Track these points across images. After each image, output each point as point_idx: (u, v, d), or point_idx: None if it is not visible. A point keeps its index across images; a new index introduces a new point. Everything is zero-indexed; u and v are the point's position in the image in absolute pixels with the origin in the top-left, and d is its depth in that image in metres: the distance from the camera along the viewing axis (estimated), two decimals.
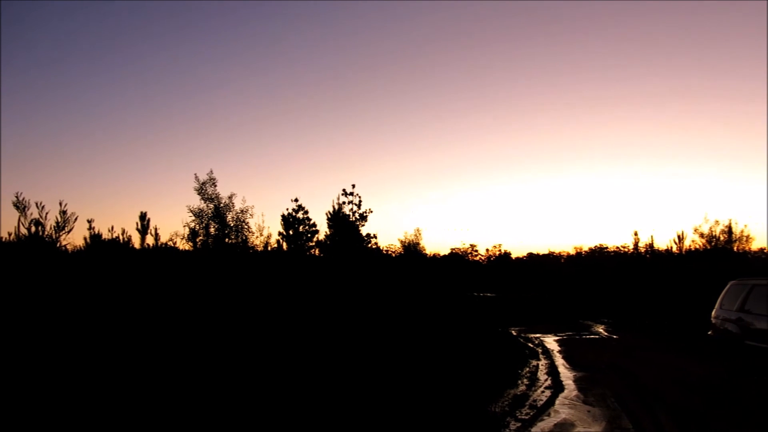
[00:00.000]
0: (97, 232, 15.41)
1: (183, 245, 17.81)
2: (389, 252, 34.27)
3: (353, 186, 19.51)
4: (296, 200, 19.31)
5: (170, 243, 18.05)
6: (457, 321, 18.75)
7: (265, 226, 22.60)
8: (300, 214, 19.48)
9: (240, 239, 17.78)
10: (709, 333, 11.44)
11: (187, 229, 17.19)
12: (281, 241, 19.50)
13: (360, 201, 19.53)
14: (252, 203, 18.54)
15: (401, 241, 33.46)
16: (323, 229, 19.67)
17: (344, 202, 19.53)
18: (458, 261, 47.65)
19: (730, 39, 65.51)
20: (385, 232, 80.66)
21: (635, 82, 71.72)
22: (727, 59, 66.89)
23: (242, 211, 17.60)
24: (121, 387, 7.46)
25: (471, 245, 50.17)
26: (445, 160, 78.13)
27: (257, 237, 18.33)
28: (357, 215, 19.56)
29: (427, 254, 38.32)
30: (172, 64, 70.36)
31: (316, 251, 20.41)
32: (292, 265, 18.08)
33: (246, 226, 17.76)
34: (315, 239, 19.87)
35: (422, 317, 18.24)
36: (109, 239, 16.00)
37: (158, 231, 16.82)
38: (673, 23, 66.43)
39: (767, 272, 21.64)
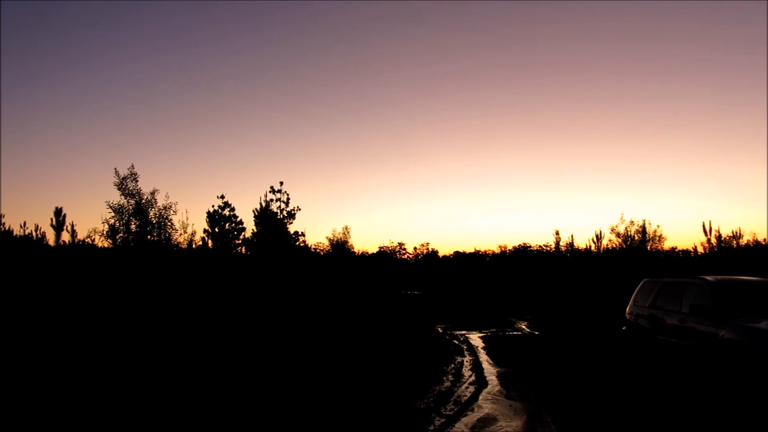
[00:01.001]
0: (7, 228, 14.61)
1: (102, 242, 17.18)
2: (318, 250, 34.17)
3: (281, 183, 19.32)
4: (222, 197, 18.95)
5: (88, 240, 17.36)
6: (384, 319, 18.87)
7: (190, 224, 22.08)
8: (226, 212, 19.12)
9: (163, 237, 17.29)
10: (624, 328, 11.97)
11: (106, 226, 16.58)
12: (207, 238, 19.09)
13: (288, 199, 19.36)
14: (176, 200, 18.04)
15: (329, 239, 33.42)
16: (250, 226, 19.40)
17: (272, 200, 19.32)
18: (386, 259, 47.96)
19: (647, 42, 68.80)
20: (315, 230, 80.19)
21: (554, 85, 74.22)
22: (644, 61, 70.20)
23: (165, 207, 17.14)
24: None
25: (399, 243, 50.60)
26: (375, 158, 78.43)
27: (181, 234, 17.89)
28: (285, 213, 19.38)
29: (355, 252, 38.44)
30: (90, 52, 67.51)
31: (243, 249, 20.10)
32: (217, 264, 17.72)
33: (169, 223, 17.30)
34: (242, 237, 19.56)
35: (350, 315, 18.26)
36: (21, 236, 15.21)
37: (75, 227, 16.14)
38: (577, 26, 69.14)
39: (678, 270, 22.88)
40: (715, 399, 7.85)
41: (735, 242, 21.66)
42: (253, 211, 19.29)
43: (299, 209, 19.50)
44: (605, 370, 10.17)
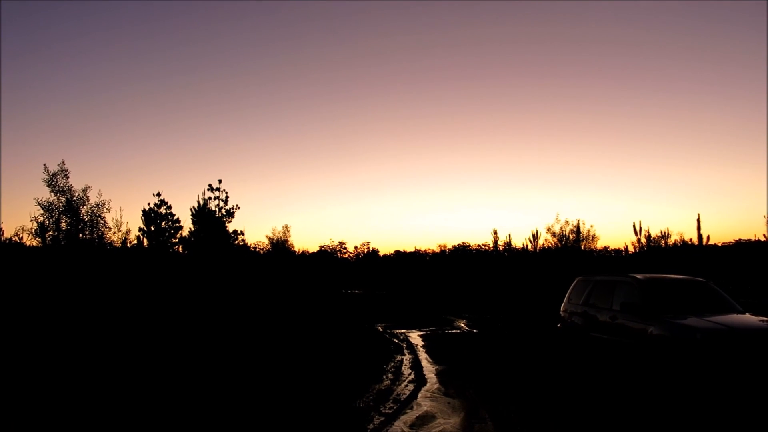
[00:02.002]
0: None
1: (30, 241, 16.45)
2: (257, 249, 33.71)
3: (220, 181, 18.96)
4: (159, 194, 18.43)
5: (15, 239, 16.61)
6: (325, 318, 18.78)
7: (124, 222, 21.40)
8: (163, 210, 18.61)
9: (96, 235, 16.68)
10: (558, 326, 12.29)
11: (35, 224, 15.88)
12: (142, 237, 18.53)
13: (227, 197, 19.02)
14: (110, 197, 17.38)
15: (269, 238, 33.02)
16: (188, 225, 18.95)
17: (210, 198, 18.93)
18: (327, 258, 47.80)
19: (563, 45, 70.90)
20: (255, 229, 79.07)
21: (493, 87, 75.62)
22: (580, 64, 72.31)
23: (98, 205, 16.55)
24: None
25: (340, 242, 50.56)
26: (317, 158, 77.98)
27: (115, 233, 17.30)
28: (224, 211, 19.02)
29: (295, 251, 38.12)
30: (16, 46, 64.49)
31: (180, 248, 19.61)
32: (153, 263, 17.22)
33: (102, 222, 16.71)
34: (179, 236, 19.07)
35: (290, 315, 18.10)
36: None
37: (2, 225, 15.39)
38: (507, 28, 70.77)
39: (610, 268, 23.66)
40: (645, 392, 8.14)
41: (663, 242, 22.57)
42: (191, 210, 18.85)
43: (238, 208, 19.20)
44: (541, 367, 10.40)
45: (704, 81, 67.08)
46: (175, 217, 18.76)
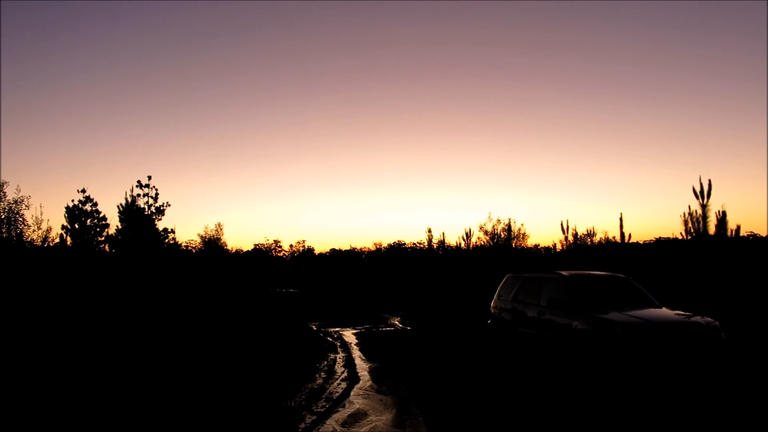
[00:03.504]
0: None
1: None
2: (189, 248, 32.95)
3: (149, 178, 18.38)
4: (84, 191, 17.73)
5: None
6: (258, 318, 18.56)
7: (45, 219, 20.49)
8: (88, 207, 17.90)
9: (13, 234, 15.92)
10: (489, 322, 12.58)
11: None
12: (65, 235, 17.79)
13: (157, 194, 18.46)
14: (29, 193, 16.62)
15: (201, 237, 32.35)
16: (115, 223, 18.31)
17: (139, 195, 18.34)
18: (262, 257, 47.19)
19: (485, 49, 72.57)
20: (188, 227, 77.11)
21: (426, 87, 76.47)
22: (509, 65, 73.98)
23: (16, 201, 15.80)
24: None
25: (275, 241, 49.96)
26: (250, 155, 76.75)
27: (35, 231, 16.55)
28: (153, 209, 18.47)
29: (229, 250, 37.49)
30: None
31: (107, 247, 18.94)
32: (76, 262, 16.57)
33: (21, 219, 15.96)
34: (105, 234, 18.42)
35: (222, 315, 17.79)
36: None
37: None
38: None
39: (540, 266, 24.33)
40: (571, 383, 8.44)
41: (589, 240, 23.31)
42: (118, 207, 18.20)
43: (169, 205, 18.67)
44: (472, 362, 10.62)
45: (626, 84, 69.90)
46: (101, 215, 18.08)
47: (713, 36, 64.75)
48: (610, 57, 68.05)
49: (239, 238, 74.38)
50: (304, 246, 51.62)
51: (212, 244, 30.93)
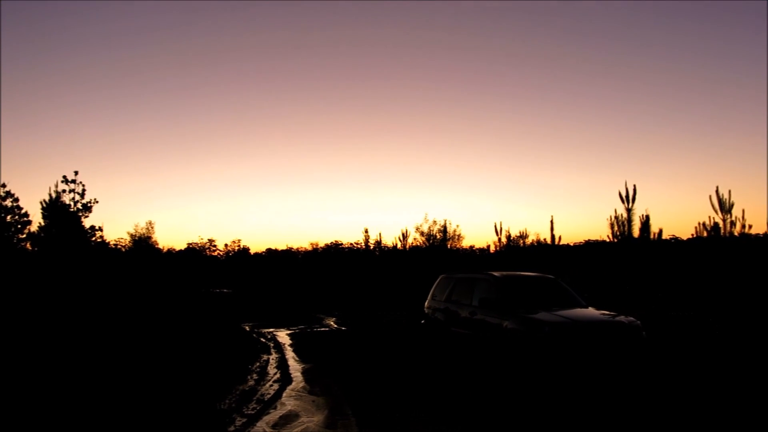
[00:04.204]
0: None
1: None
2: (118, 246, 31.87)
3: (76, 173, 17.68)
4: (4, 185, 16.88)
5: None
6: (189, 318, 18.14)
7: None
8: (8, 202, 17.05)
9: None
10: (422, 321, 12.70)
11: None
12: None
13: (84, 190, 17.77)
14: None
15: (131, 235, 31.37)
16: (38, 219, 17.52)
17: (65, 191, 17.61)
18: (195, 256, 46.18)
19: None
20: (116, 225, 74.61)
21: (365, 89, 76.70)
22: (447, 68, 75.01)
23: None
24: None
25: (209, 240, 48.99)
26: (186, 152, 75.02)
27: None
28: (80, 205, 17.77)
29: (161, 249, 36.53)
30: None
31: (28, 245, 18.10)
32: None
33: None
34: (27, 231, 17.59)
35: (151, 315, 17.30)
36: None
37: None
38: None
39: (475, 266, 24.75)
40: (502, 381, 8.60)
41: (522, 241, 23.87)
42: (41, 203, 17.43)
43: (96, 202, 17.99)
44: (405, 362, 10.69)
45: (558, 91, 72.16)
46: (23, 211, 17.26)
47: (639, 47, 67.65)
48: (544, 64, 70.08)
49: (173, 237, 72.56)
50: (239, 245, 50.87)
51: (143, 243, 30.02)
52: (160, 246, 37.01)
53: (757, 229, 14.87)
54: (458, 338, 10.95)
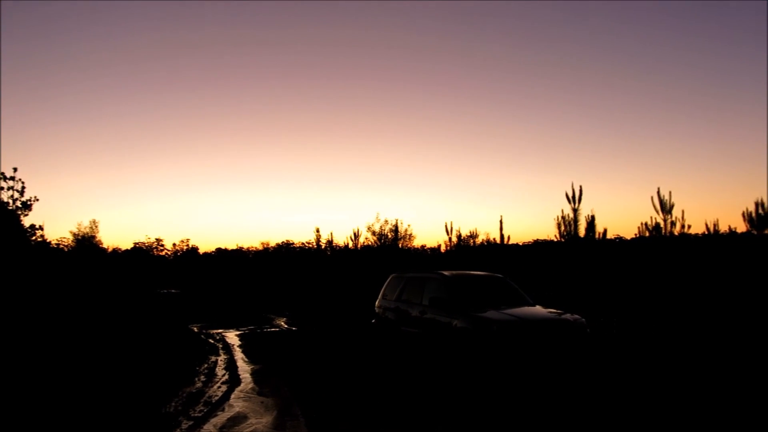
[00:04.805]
0: None
1: None
2: (60, 246, 30.81)
3: (15, 170, 17.00)
4: None
5: None
6: (135, 320, 17.69)
7: None
8: None
9: None
10: (373, 321, 12.72)
11: None
12: None
13: (23, 187, 17.10)
14: None
15: (74, 234, 30.40)
16: None
17: (3, 188, 16.95)
18: (142, 256, 45.07)
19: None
20: (59, 224, 72.12)
21: (315, 88, 76.35)
22: (406, 69, 75.30)
23: None
24: None
25: (157, 239, 47.84)
26: (133, 149, 73.05)
27: None
28: (19, 203, 17.14)
29: (105, 248, 35.55)
30: None
31: None
32: None
33: None
34: None
35: (93, 316, 16.80)
36: None
37: None
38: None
39: (426, 266, 24.91)
40: (452, 379, 8.68)
41: (472, 241, 24.08)
42: None
43: (37, 200, 17.30)
44: (356, 361, 10.68)
45: (506, 92, 73.37)
46: None
47: (585, 51, 69.35)
48: (493, 65, 71.05)
49: (118, 237, 70.58)
50: (188, 245, 49.86)
51: (86, 242, 29.11)
52: (105, 245, 36.01)
53: (696, 229, 15.41)
54: (409, 337, 11.00)
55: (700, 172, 62.31)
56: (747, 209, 12.32)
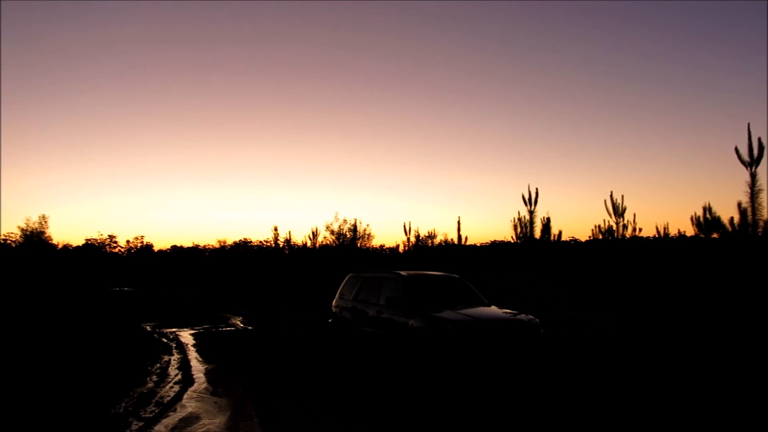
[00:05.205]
0: None
1: None
2: (7, 241, 29.89)
3: None
4: None
5: None
6: (85, 318, 17.26)
7: None
8: None
9: None
10: (330, 321, 12.69)
11: None
12: None
13: None
14: None
15: (22, 230, 29.48)
16: None
17: None
18: (94, 253, 44.01)
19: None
20: (6, 219, 69.78)
21: (278, 87, 75.77)
22: (348, 68, 75.26)
23: None
24: None
25: (110, 236, 46.80)
26: (83, 144, 71.20)
27: None
28: None
29: (56, 244, 34.60)
30: None
31: None
32: None
33: None
34: None
35: (43, 315, 16.35)
36: None
37: None
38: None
39: (384, 266, 24.96)
40: (408, 379, 8.72)
41: (430, 241, 24.27)
42: None
43: None
44: (312, 361, 10.64)
45: (465, 93, 74.18)
46: None
47: (542, 55, 70.57)
48: (451, 66, 71.69)
49: (70, 233, 68.66)
50: (142, 242, 49.00)
51: (35, 238, 28.23)
52: (55, 242, 35.01)
53: (647, 232, 15.88)
54: (365, 337, 11.02)
55: (651, 177, 64.07)
56: (695, 214, 12.72)
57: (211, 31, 68.77)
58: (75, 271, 31.78)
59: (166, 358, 11.19)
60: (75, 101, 68.84)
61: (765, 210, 10.58)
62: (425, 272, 11.73)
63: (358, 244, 28.72)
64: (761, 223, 10.85)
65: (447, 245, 23.61)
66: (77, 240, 52.15)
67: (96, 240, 45.83)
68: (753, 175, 10.44)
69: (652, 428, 6.18)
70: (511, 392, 7.82)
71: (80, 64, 67.96)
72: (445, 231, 34.12)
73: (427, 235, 24.17)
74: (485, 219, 60.29)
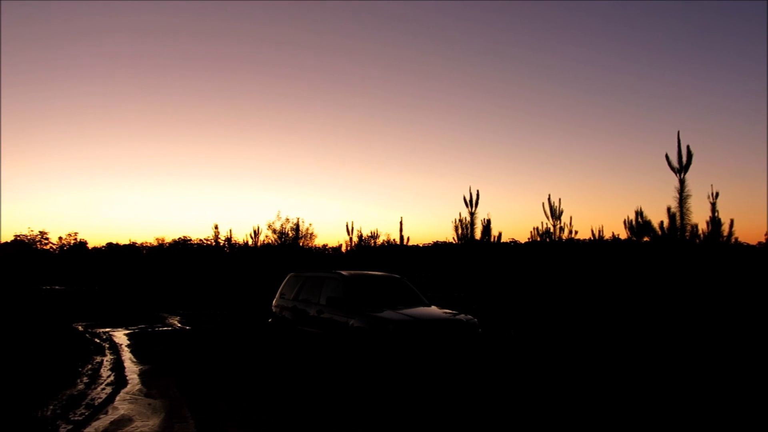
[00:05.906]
0: None
1: None
2: None
3: None
4: None
5: None
6: (12, 317, 16.54)
7: None
8: None
9: None
10: (270, 320, 12.56)
11: None
12: None
13: None
14: None
15: None
16: None
17: None
18: (24, 249, 42.23)
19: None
20: None
21: (222, 84, 74.58)
22: (303, 67, 74.79)
23: None
24: None
25: (41, 232, 45.02)
26: (12, 137, 68.18)
27: None
28: None
29: None
30: None
31: None
32: None
33: None
34: None
35: None
36: None
37: None
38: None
39: (326, 265, 24.88)
40: (349, 378, 8.72)
41: (373, 241, 24.33)
42: None
43: None
44: (250, 362, 10.51)
45: (407, 94, 74.82)
46: None
47: (486, 57, 71.83)
48: (394, 67, 72.11)
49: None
50: (75, 239, 47.31)
51: None
52: None
53: (583, 234, 16.40)
54: (306, 337, 10.96)
55: (587, 182, 66.21)
56: (628, 218, 13.21)
57: (155, 25, 67.07)
58: (2, 268, 30.40)
59: (99, 358, 10.84)
60: (7, 94, 65.83)
61: (693, 215, 11.10)
62: (367, 272, 11.76)
63: (301, 244, 28.57)
64: (689, 227, 11.37)
65: (389, 245, 23.72)
66: (6, 236, 49.91)
67: (26, 236, 44.06)
68: (682, 181, 10.92)
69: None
70: (450, 390, 7.93)
71: (12, 59, 65.02)
72: (387, 231, 34.27)
73: (369, 235, 24.24)
74: (428, 220, 60.99)
